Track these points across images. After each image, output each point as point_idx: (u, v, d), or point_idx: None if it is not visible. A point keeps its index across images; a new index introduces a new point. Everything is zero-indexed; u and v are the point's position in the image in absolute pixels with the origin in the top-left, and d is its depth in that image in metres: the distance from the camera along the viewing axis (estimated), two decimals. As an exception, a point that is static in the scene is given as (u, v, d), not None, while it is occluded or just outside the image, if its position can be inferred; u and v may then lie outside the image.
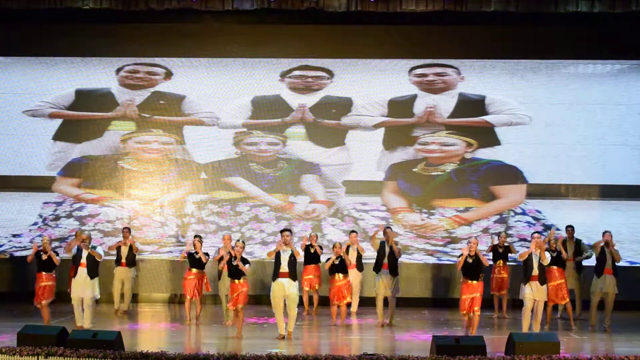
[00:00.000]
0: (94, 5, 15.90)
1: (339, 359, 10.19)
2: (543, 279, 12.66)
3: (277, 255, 12.54)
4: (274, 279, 12.55)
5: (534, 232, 13.07)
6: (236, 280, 12.70)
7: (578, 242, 14.91)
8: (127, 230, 15.46)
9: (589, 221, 15.79)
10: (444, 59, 17.44)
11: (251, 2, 15.84)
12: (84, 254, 12.93)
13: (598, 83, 17.19)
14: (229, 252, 12.89)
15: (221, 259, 13.43)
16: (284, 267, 12.49)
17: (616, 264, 13.90)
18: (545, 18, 16.37)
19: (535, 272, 12.54)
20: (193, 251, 14.28)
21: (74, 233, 16.01)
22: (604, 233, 14.00)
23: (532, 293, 12.54)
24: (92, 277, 12.96)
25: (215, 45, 17.35)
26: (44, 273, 13.32)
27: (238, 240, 13.16)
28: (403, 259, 15.37)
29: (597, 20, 16.35)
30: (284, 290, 12.50)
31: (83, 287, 12.87)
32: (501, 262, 15.10)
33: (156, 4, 15.95)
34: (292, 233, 12.94)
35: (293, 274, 12.56)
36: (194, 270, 14.29)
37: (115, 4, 15.88)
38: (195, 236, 14.61)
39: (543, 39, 17.00)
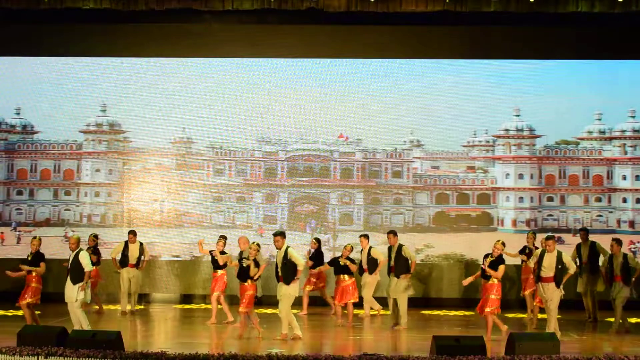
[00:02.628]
0: (94, 5, 15.88)
1: (339, 359, 10.19)
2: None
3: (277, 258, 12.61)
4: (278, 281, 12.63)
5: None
6: (245, 283, 12.71)
7: (593, 245, 14.91)
8: (132, 234, 15.44)
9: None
10: (444, 59, 17.46)
11: (251, 2, 15.82)
12: (70, 258, 12.60)
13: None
14: (241, 254, 12.89)
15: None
16: (279, 271, 12.53)
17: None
18: (545, 18, 16.36)
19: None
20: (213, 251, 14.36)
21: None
22: (612, 242, 14.11)
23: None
24: (74, 283, 12.50)
25: (215, 45, 17.35)
26: (34, 273, 13.17)
27: (253, 242, 13.00)
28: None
29: (597, 20, 16.35)
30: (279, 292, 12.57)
31: (67, 291, 12.50)
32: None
33: (156, 4, 15.94)
34: (284, 236, 12.74)
35: (286, 279, 12.46)
36: (216, 271, 14.41)
37: (115, 4, 15.86)
38: (220, 236, 14.60)
39: (543, 39, 17.00)
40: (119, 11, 16.01)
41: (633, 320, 14.37)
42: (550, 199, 17.55)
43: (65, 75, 17.61)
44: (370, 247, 14.71)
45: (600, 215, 17.47)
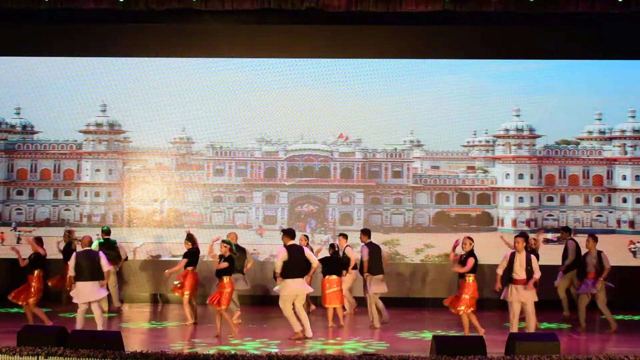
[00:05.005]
0: (94, 5, 15.89)
1: (339, 359, 10.18)
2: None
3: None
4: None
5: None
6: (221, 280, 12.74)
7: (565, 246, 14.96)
8: (103, 233, 15.42)
9: None
10: (444, 59, 17.47)
11: (251, 2, 15.82)
12: (83, 257, 12.70)
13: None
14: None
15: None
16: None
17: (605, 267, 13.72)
18: (545, 18, 16.37)
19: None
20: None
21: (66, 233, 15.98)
22: (587, 238, 13.98)
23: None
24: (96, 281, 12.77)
25: (215, 45, 17.36)
26: (36, 272, 13.34)
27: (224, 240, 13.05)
28: (407, 259, 15.46)
29: (597, 20, 16.36)
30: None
31: (91, 291, 12.63)
32: None
33: (156, 4, 15.94)
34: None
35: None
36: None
37: (115, 4, 15.86)
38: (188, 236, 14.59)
39: (543, 39, 17.01)
40: (119, 11, 16.01)
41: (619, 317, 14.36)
42: (550, 199, 17.56)
43: (65, 75, 17.62)
44: (346, 247, 14.63)
45: (600, 215, 17.48)
